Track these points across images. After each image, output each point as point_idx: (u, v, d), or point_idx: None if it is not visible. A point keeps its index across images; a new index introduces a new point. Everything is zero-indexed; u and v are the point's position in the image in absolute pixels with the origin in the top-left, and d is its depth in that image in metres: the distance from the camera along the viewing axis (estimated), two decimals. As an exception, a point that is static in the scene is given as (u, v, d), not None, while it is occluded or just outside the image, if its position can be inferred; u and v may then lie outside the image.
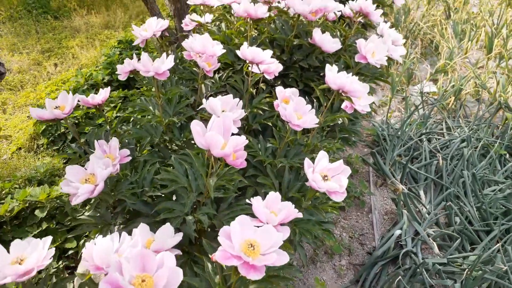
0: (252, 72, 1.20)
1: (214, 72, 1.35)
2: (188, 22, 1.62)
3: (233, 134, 0.79)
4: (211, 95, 1.25)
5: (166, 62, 1.01)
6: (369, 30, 2.31)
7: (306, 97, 1.34)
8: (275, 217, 0.67)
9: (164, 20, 1.52)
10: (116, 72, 1.47)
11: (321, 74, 1.46)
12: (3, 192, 1.95)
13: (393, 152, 1.92)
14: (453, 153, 1.85)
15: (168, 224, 0.71)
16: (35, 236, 1.78)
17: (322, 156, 0.87)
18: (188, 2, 1.56)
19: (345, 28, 1.54)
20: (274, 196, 0.70)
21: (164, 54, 1.05)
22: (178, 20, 2.72)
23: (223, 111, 0.95)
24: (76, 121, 2.49)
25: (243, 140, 0.78)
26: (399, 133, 1.99)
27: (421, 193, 1.72)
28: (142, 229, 0.72)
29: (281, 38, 1.37)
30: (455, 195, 1.65)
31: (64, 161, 2.37)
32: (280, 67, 1.24)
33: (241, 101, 0.97)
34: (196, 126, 0.75)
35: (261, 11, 1.25)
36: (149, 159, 1.03)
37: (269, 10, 1.48)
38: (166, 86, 1.28)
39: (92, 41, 4.26)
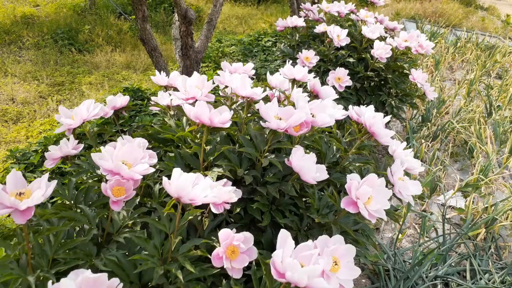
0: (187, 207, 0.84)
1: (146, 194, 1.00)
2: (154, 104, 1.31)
3: None
4: (127, 225, 0.90)
5: (34, 196, 0.67)
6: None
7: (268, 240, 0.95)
8: None
9: (124, 96, 1.22)
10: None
11: (301, 203, 1.08)
12: None
13: (396, 296, 1.48)
14: (475, 318, 1.38)
15: None
16: None
17: None
18: (153, 80, 1.26)
19: (344, 147, 1.17)
20: None
21: (45, 176, 0.71)
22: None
23: (84, 300, 0.58)
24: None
25: None
26: (409, 273, 1.55)
27: None
28: None
29: (251, 153, 1.02)
30: None
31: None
32: (232, 199, 0.88)
33: (121, 284, 0.60)
34: None
35: (220, 120, 0.91)
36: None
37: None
38: (78, 198, 0.94)
39: (108, 80, 4.10)
